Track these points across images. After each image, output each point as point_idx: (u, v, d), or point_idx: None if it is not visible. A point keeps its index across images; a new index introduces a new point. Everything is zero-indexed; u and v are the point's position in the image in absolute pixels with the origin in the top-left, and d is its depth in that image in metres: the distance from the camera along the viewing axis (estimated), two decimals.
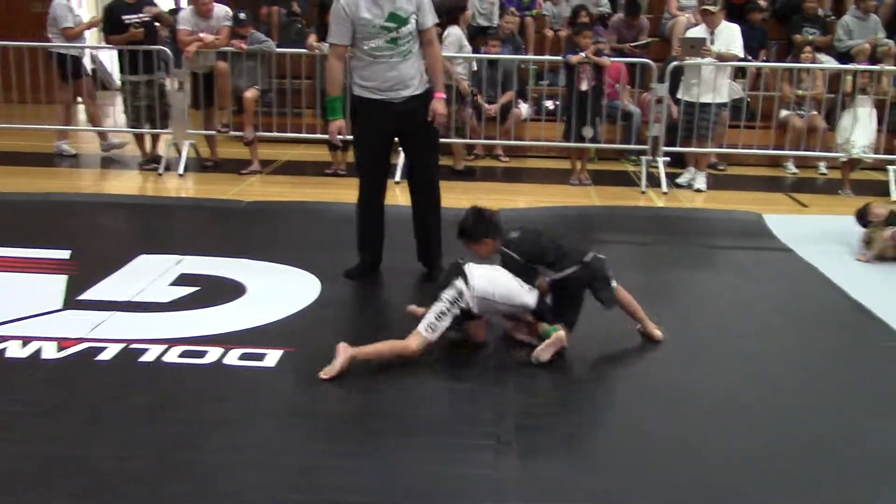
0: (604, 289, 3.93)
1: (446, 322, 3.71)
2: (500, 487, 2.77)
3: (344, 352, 3.57)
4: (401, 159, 6.82)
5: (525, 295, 3.85)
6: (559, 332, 3.76)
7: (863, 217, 5.72)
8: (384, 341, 3.72)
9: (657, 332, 4.06)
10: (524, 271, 3.90)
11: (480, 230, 4.07)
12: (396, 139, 4.88)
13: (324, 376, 3.51)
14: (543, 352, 3.74)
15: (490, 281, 3.80)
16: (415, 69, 4.64)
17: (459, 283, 3.73)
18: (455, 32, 8.27)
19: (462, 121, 8.53)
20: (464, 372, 3.67)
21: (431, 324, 3.69)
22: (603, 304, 3.94)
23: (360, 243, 4.95)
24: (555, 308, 3.93)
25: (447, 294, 3.72)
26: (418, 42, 4.63)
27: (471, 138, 8.71)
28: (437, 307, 3.71)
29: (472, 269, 3.81)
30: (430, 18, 4.64)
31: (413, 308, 4.12)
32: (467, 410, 3.38)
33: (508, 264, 3.93)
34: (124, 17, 8.10)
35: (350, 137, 4.91)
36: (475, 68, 8.67)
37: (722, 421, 3.30)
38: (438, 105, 4.67)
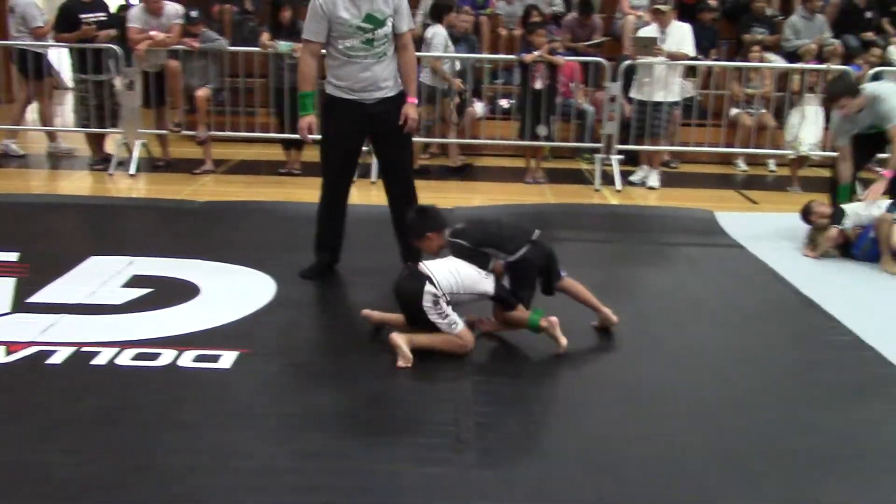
0: (557, 272, 4.06)
1: (451, 312, 3.77)
2: (461, 487, 2.77)
3: (399, 339, 3.67)
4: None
5: (484, 282, 3.89)
6: (546, 318, 3.88)
7: (807, 216, 5.83)
8: (439, 335, 3.76)
9: (613, 317, 4.14)
10: (476, 256, 3.93)
11: (422, 225, 4.09)
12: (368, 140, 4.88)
13: (403, 364, 3.63)
14: (560, 339, 3.85)
15: (452, 274, 3.82)
16: (388, 71, 4.63)
17: (429, 287, 3.73)
18: (441, 33, 8.22)
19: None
20: (421, 371, 3.66)
21: (447, 324, 3.75)
22: (551, 287, 4.06)
23: (317, 242, 4.92)
24: (512, 290, 3.98)
25: (426, 303, 3.73)
26: (394, 45, 4.62)
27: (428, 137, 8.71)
28: (434, 316, 3.74)
29: (429, 268, 3.81)
30: (407, 23, 4.64)
31: (368, 312, 4.10)
32: (426, 410, 3.38)
33: (460, 253, 3.94)
34: (81, 16, 7.98)
35: (318, 137, 4.89)
36: (458, 67, 8.61)
37: (680, 417, 3.34)
38: (410, 110, 4.67)
